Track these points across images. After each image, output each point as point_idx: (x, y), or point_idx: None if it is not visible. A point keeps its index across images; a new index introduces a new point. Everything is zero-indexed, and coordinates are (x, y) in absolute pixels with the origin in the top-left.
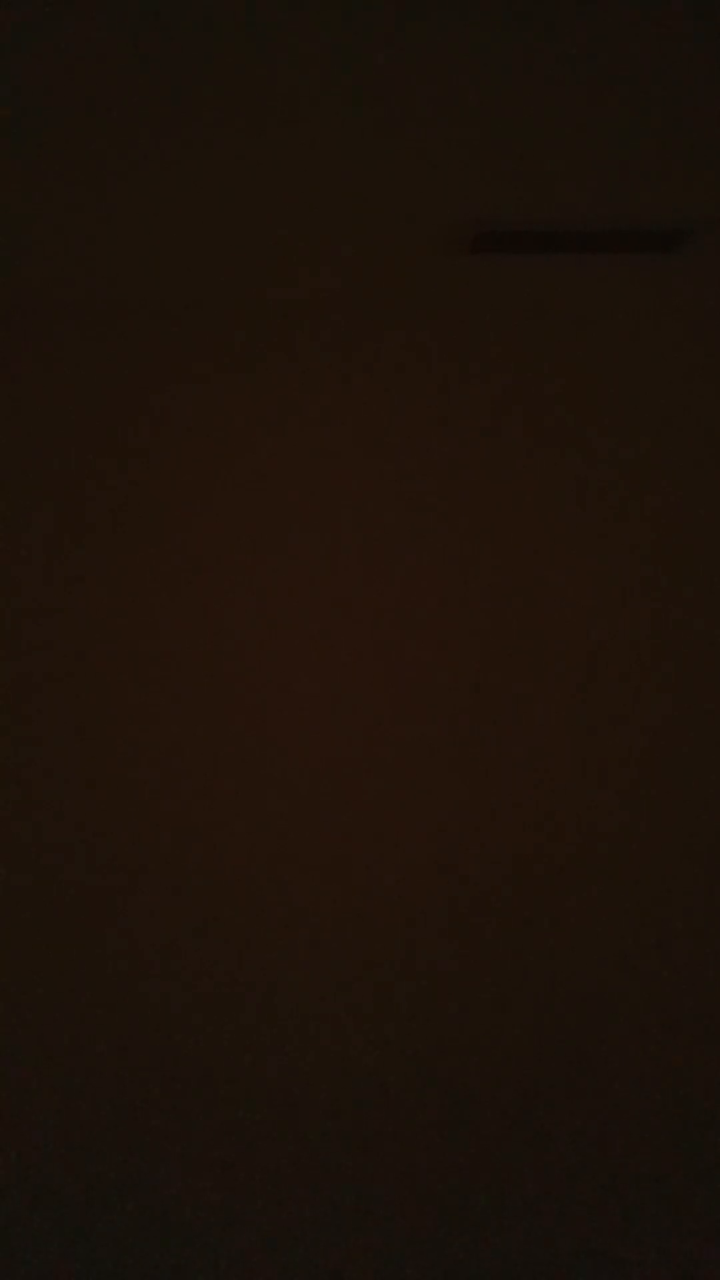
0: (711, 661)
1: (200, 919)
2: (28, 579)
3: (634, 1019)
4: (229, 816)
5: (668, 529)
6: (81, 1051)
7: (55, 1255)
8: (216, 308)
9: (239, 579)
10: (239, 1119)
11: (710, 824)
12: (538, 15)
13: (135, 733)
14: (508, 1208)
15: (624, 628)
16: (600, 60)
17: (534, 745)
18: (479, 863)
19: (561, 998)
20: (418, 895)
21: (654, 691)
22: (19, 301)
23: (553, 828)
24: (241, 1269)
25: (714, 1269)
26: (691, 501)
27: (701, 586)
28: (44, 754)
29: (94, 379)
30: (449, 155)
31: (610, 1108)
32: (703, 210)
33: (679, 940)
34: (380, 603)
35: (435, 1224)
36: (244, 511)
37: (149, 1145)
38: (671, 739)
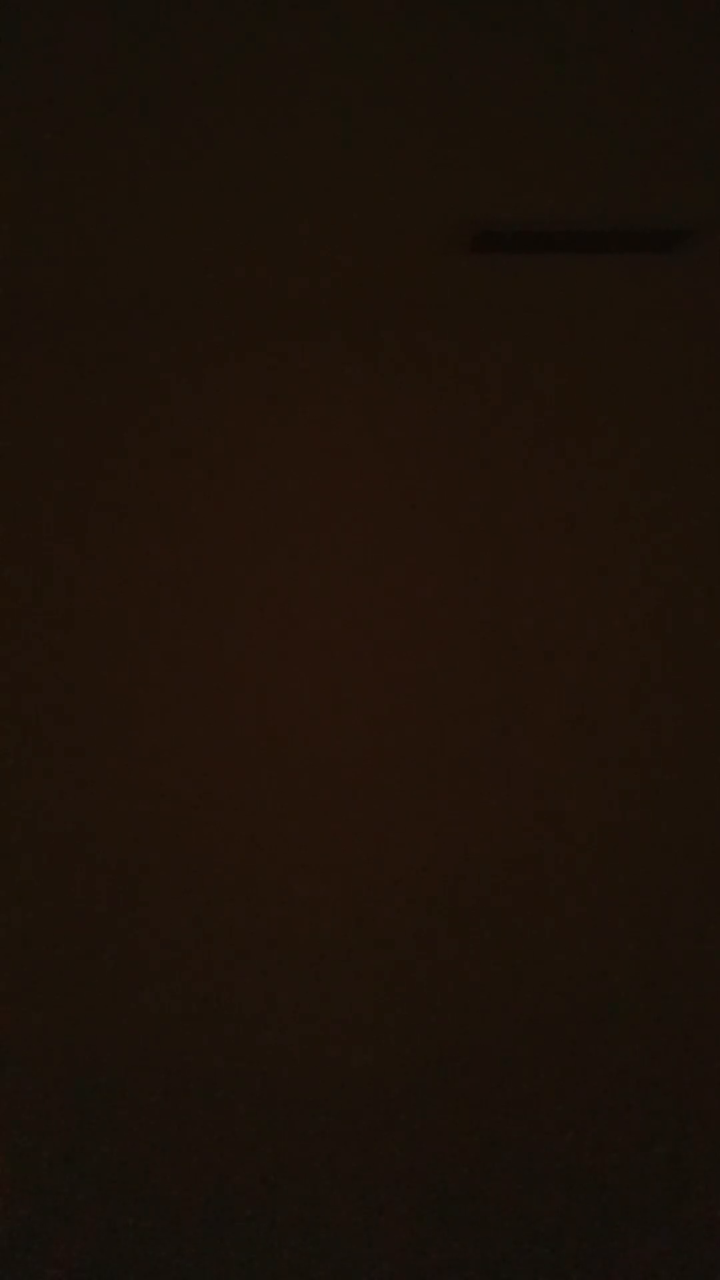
0: (712, 661)
1: (200, 920)
2: (29, 577)
3: (633, 1019)
4: (230, 817)
5: (668, 527)
6: (80, 1051)
7: (53, 1256)
8: (218, 308)
9: (240, 578)
10: (237, 1118)
11: (710, 824)
12: (538, 16)
13: (137, 734)
14: (507, 1208)
15: (624, 627)
16: (600, 61)
17: (534, 745)
18: (479, 863)
19: (561, 997)
20: (418, 896)
21: (654, 691)
22: (19, 301)
23: (553, 828)
24: (240, 1271)
25: (715, 1269)
26: (691, 500)
27: (702, 585)
28: (45, 755)
29: (95, 379)
30: (450, 155)
31: (610, 1108)
32: (703, 211)
33: (679, 940)
34: (380, 601)
35: (435, 1224)
36: (245, 510)
37: (147, 1145)
38: (672, 739)
